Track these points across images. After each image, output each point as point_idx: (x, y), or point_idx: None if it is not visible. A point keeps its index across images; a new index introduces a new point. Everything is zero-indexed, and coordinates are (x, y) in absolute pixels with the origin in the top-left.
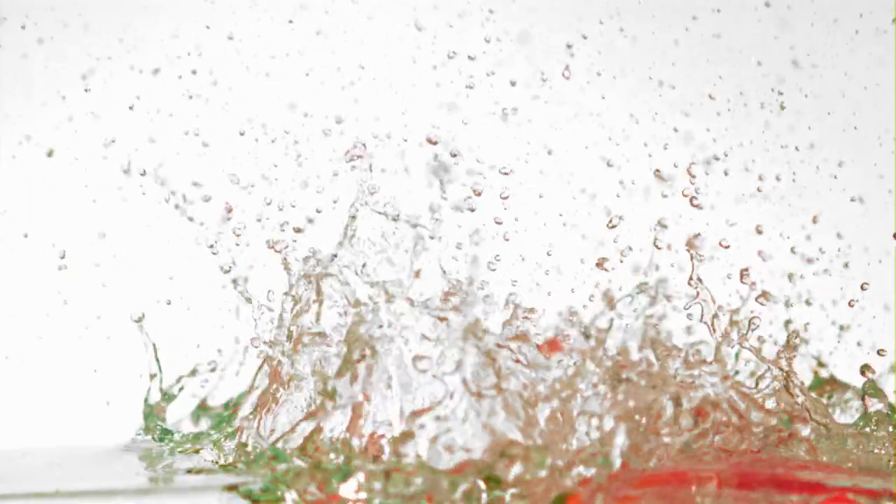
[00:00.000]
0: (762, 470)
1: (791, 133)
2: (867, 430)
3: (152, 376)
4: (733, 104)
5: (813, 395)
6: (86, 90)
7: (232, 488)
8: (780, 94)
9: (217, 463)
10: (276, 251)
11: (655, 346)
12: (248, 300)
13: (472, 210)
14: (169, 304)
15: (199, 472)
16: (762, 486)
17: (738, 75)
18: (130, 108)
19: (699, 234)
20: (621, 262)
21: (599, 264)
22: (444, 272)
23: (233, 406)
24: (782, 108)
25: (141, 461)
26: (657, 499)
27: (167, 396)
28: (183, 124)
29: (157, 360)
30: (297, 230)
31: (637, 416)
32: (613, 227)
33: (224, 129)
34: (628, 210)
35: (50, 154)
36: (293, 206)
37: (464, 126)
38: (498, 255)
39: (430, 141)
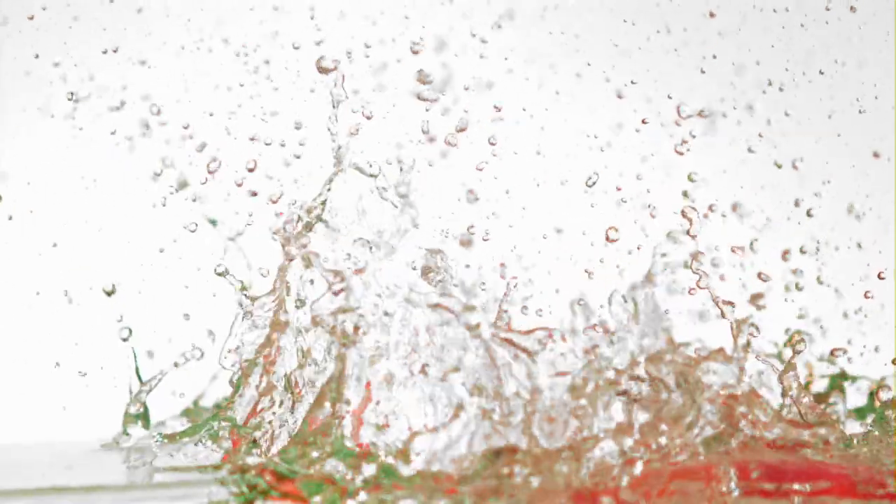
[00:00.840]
0: (773, 463)
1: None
2: (876, 433)
3: (131, 396)
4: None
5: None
6: None
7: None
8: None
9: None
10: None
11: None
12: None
13: (451, 145)
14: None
15: (183, 469)
16: (768, 476)
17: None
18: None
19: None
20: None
21: (610, 228)
22: (429, 251)
23: (229, 396)
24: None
25: (123, 458)
26: (680, 494)
27: (143, 403)
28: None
29: (137, 368)
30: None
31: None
32: (592, 184)
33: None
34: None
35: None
36: (268, 145)
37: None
38: (471, 227)
39: (413, 51)
